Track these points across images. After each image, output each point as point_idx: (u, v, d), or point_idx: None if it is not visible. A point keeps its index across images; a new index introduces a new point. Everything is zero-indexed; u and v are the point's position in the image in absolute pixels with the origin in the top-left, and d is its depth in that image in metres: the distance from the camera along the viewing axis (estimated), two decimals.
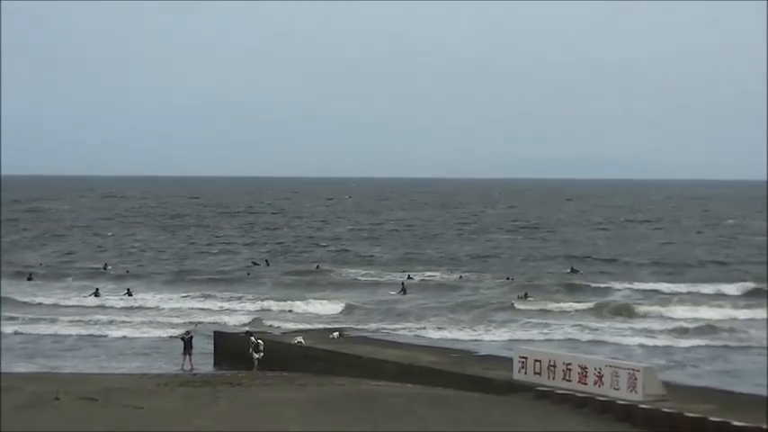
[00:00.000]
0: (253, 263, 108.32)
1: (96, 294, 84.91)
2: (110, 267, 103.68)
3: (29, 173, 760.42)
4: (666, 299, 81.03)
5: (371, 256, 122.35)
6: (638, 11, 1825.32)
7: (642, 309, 76.42)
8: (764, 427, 33.95)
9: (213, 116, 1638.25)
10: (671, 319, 71.43)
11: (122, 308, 77.94)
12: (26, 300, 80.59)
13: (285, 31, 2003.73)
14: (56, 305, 78.67)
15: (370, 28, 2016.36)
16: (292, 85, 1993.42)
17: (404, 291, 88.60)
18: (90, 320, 71.13)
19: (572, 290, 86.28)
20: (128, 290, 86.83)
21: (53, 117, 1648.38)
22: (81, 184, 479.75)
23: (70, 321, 71.02)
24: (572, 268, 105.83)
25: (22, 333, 67.19)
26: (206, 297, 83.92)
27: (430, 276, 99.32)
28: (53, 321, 71.06)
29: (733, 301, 79.51)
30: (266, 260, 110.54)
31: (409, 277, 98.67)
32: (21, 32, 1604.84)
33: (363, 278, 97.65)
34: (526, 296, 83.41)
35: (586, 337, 65.00)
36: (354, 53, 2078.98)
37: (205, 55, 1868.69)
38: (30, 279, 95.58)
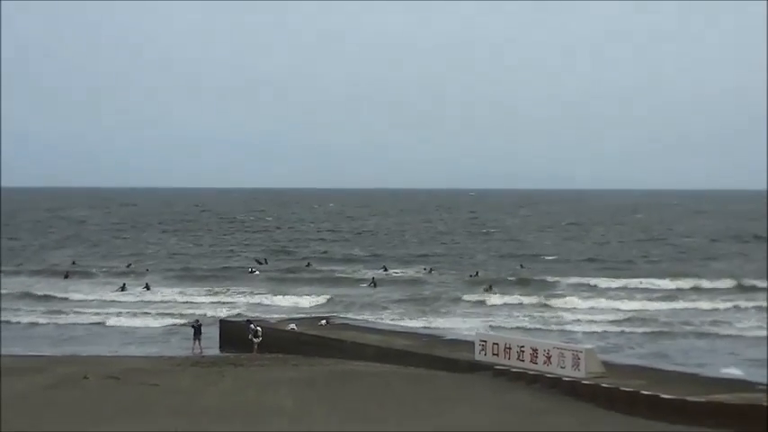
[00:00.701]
0: (256, 261, 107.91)
1: (123, 289, 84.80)
2: (132, 266, 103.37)
3: (38, 185, 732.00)
4: (604, 291, 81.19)
5: (352, 254, 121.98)
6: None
7: (584, 300, 76.65)
8: (688, 399, 34.43)
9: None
10: (609, 309, 71.48)
11: (142, 301, 77.56)
12: (63, 295, 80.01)
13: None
14: (86, 299, 78.14)
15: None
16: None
17: (374, 284, 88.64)
18: (116, 311, 70.85)
19: (524, 284, 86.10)
20: (146, 284, 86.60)
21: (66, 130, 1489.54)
22: (94, 194, 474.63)
23: (98, 313, 70.84)
24: (521, 265, 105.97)
25: (56, 323, 67.07)
26: (211, 291, 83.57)
27: (402, 272, 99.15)
28: (85, 313, 70.96)
29: (661, 293, 79.75)
30: (265, 259, 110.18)
31: (385, 268, 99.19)
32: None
33: (342, 274, 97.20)
34: (491, 288, 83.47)
35: (537, 324, 65.19)
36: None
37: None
38: (66, 277, 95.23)
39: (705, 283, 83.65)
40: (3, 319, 66.95)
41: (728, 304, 72.73)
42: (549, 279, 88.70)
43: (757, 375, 42.79)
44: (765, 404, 33.51)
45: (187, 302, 76.32)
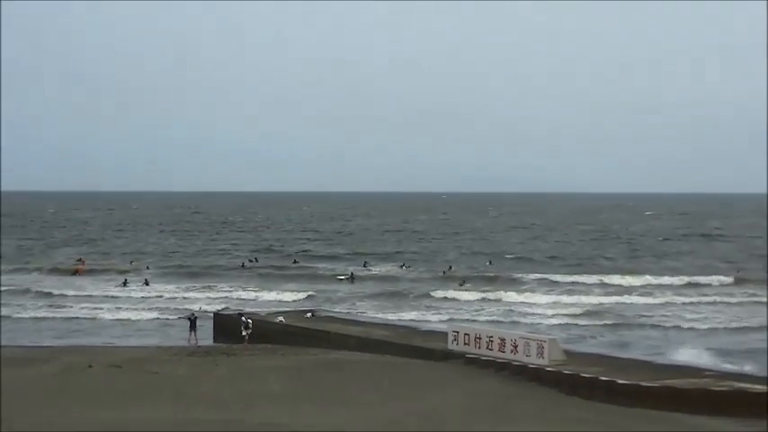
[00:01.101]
0: (248, 260, 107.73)
1: (125, 284, 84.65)
2: (134, 263, 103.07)
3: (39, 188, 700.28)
4: (566, 286, 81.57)
5: (334, 252, 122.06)
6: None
7: (547, 294, 77.02)
8: (642, 384, 34.77)
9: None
10: (570, 303, 71.85)
11: (142, 296, 77.39)
12: (69, 290, 79.69)
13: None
14: (90, 295, 77.94)
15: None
16: None
17: (352, 280, 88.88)
18: (118, 306, 70.76)
19: (492, 280, 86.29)
20: (146, 280, 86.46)
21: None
22: (91, 198, 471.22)
23: (101, 307, 70.71)
24: (489, 262, 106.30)
25: (63, 317, 66.78)
26: (206, 287, 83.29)
27: (380, 269, 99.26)
28: (89, 307, 70.69)
29: (618, 288, 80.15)
30: (255, 258, 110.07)
31: (365, 264, 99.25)
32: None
33: (324, 271, 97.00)
34: (464, 283, 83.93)
35: (504, 316, 65.37)
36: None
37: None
38: (73, 274, 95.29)
39: (658, 279, 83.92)
40: (12, 314, 66.71)
41: (683, 299, 73.32)
42: (515, 275, 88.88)
43: (705, 362, 43.33)
44: (713, 388, 34.02)
45: (183, 297, 76.09)
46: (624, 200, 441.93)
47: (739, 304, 71.04)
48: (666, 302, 71.85)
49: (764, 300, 72.00)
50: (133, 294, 78.50)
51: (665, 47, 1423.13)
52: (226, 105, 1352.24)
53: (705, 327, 60.54)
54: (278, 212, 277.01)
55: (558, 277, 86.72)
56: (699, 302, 71.88)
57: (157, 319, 65.99)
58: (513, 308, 69.56)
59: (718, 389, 33.87)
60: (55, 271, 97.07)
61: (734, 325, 61.37)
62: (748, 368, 42.39)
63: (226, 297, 76.13)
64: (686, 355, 47.37)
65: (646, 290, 78.91)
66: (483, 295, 75.83)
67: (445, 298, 75.15)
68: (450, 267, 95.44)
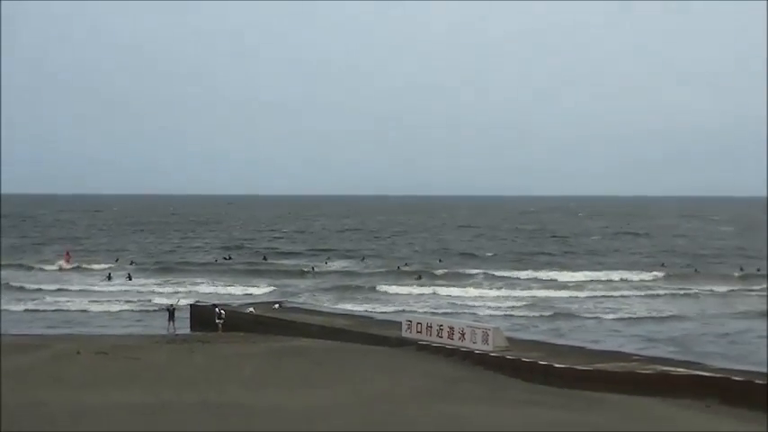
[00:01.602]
0: (224, 258, 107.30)
1: (109, 279, 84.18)
2: (119, 260, 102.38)
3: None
4: (509, 281, 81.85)
5: (298, 249, 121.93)
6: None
7: (492, 288, 77.47)
8: (577, 367, 35.22)
9: None
10: (512, 296, 72.23)
11: (125, 289, 76.85)
12: (60, 285, 78.96)
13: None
14: (79, 289, 77.07)
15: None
16: None
17: (313, 274, 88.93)
18: (103, 299, 70.09)
19: (443, 275, 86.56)
20: (128, 275, 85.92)
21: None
22: (73, 201, 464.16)
23: (89, 299, 70.29)
24: (439, 259, 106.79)
25: (53, 309, 66.14)
26: (183, 281, 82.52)
27: (341, 264, 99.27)
28: (78, 299, 69.82)
29: (554, 282, 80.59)
30: (229, 255, 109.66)
31: (327, 260, 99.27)
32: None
33: (288, 267, 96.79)
34: (420, 277, 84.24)
35: (453, 307, 65.57)
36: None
37: None
38: (60, 269, 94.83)
39: (590, 275, 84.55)
40: (8, 306, 66.21)
41: (613, 292, 73.95)
42: (462, 270, 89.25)
43: (632, 348, 43.96)
44: (639, 371, 34.53)
45: (162, 291, 75.35)
46: (566, 202, 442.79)
47: (663, 296, 71.94)
48: (598, 295, 72.45)
49: (685, 292, 73.28)
50: (117, 288, 77.90)
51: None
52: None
53: (632, 317, 61.17)
54: (245, 212, 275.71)
55: (500, 272, 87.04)
56: (627, 295, 72.64)
57: (139, 310, 65.55)
58: (460, 300, 69.82)
59: (644, 372, 34.42)
60: (44, 266, 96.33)
61: (655, 315, 62.11)
62: (671, 352, 43.19)
63: (201, 291, 75.63)
64: (616, 342, 48.08)
65: (579, 284, 79.41)
66: (434, 289, 76.13)
67: (398, 293, 74.79)
68: (406, 264, 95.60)
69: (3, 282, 78.39)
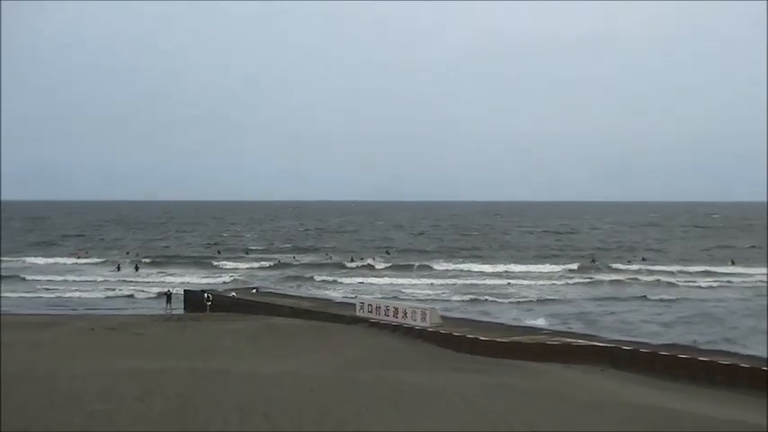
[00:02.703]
0: (218, 252, 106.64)
1: (118, 269, 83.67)
2: (128, 253, 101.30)
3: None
4: (443, 272, 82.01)
5: (271, 246, 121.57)
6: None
7: (429, 277, 77.80)
8: (497, 339, 35.59)
9: None
10: (447, 284, 72.47)
11: (132, 279, 75.84)
12: (77, 275, 78.16)
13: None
14: (91, 278, 76.48)
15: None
16: None
17: (282, 266, 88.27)
18: (115, 287, 69.33)
19: (390, 265, 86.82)
20: (136, 265, 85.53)
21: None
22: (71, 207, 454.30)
23: (100, 285, 70.03)
24: (387, 251, 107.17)
25: (71, 294, 65.44)
26: (180, 272, 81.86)
27: (307, 258, 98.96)
28: (91, 287, 69.48)
29: (479, 273, 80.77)
30: (219, 251, 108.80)
31: (294, 257, 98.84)
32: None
33: (262, 261, 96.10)
34: (374, 267, 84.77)
35: (398, 292, 65.59)
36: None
37: None
38: (78, 258, 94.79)
39: (514, 267, 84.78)
40: (35, 293, 65.55)
41: (529, 281, 74.03)
42: (406, 262, 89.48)
43: (542, 324, 44.40)
44: (548, 342, 34.98)
45: (162, 279, 74.55)
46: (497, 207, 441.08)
47: (570, 284, 72.43)
48: (515, 283, 72.83)
49: (587, 280, 74.05)
50: (125, 277, 77.48)
51: None
52: None
53: (543, 299, 61.68)
54: (227, 215, 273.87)
55: (437, 265, 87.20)
56: (540, 282, 73.13)
57: (143, 294, 65.03)
58: (403, 287, 69.87)
59: (552, 343, 34.96)
60: (63, 259, 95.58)
61: (562, 298, 62.64)
62: (573, 327, 43.75)
63: (192, 280, 74.84)
64: (529, 319, 48.52)
65: (500, 273, 79.84)
66: (383, 278, 76.13)
67: (352, 282, 74.86)
68: (362, 258, 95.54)
69: (29, 273, 77.41)
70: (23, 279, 74.48)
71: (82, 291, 66.97)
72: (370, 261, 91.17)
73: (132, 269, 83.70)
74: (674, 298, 61.08)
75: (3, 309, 52.98)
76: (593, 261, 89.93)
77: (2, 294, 62.37)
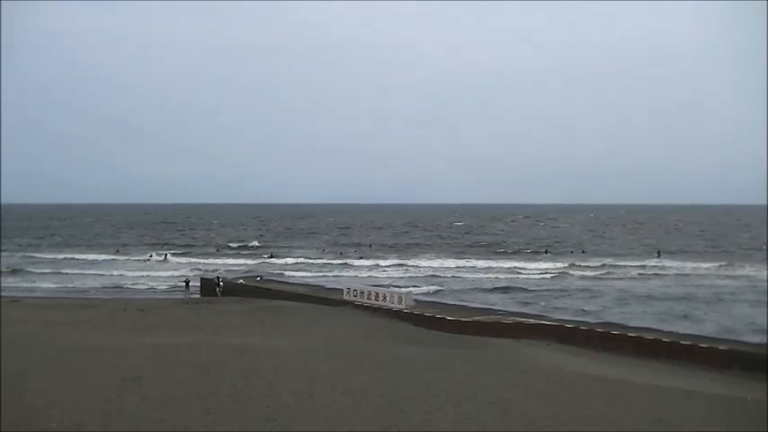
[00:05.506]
0: (226, 245, 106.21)
1: (150, 259, 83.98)
2: (164, 248, 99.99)
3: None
4: (416, 266, 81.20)
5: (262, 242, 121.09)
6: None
7: (400, 267, 77.87)
8: (462, 319, 35.91)
9: None
10: (419, 275, 72.58)
11: (160, 267, 75.89)
12: (114, 267, 77.47)
13: None
14: (126, 266, 76.57)
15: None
16: None
17: (272, 258, 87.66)
18: (144, 274, 69.42)
19: (371, 258, 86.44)
20: (165, 256, 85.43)
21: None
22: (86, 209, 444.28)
23: (133, 273, 70.28)
24: (370, 245, 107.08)
25: (109, 282, 65.18)
26: (197, 262, 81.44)
27: (299, 252, 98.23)
28: (126, 274, 69.78)
29: (449, 267, 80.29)
30: (228, 244, 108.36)
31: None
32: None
33: (261, 252, 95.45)
34: (361, 257, 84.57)
35: (376, 281, 65.36)
36: None
37: None
38: (117, 252, 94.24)
39: (477, 262, 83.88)
40: (80, 280, 65.36)
41: (489, 275, 73.61)
42: (377, 256, 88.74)
43: (498, 306, 44.71)
44: (503, 321, 35.38)
45: (182, 269, 73.67)
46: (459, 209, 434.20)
47: (521, 273, 72.21)
48: (475, 272, 72.91)
49: (535, 268, 74.24)
50: (155, 265, 77.82)
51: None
52: None
53: (497, 286, 61.76)
54: (224, 216, 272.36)
55: (410, 262, 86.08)
56: (498, 273, 73.25)
57: (166, 281, 64.87)
58: (380, 277, 69.43)
59: (506, 322, 35.37)
60: (101, 251, 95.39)
61: (514, 284, 62.34)
62: (524, 308, 44.20)
63: (207, 268, 74.64)
64: (488, 301, 48.91)
65: (460, 265, 79.43)
66: (360, 271, 75.68)
67: (341, 267, 74.85)
68: (341, 253, 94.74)
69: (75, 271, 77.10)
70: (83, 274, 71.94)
71: (112, 280, 66.77)
72: (349, 255, 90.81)
73: (163, 260, 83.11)
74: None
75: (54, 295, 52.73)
76: (547, 252, 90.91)
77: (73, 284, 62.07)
